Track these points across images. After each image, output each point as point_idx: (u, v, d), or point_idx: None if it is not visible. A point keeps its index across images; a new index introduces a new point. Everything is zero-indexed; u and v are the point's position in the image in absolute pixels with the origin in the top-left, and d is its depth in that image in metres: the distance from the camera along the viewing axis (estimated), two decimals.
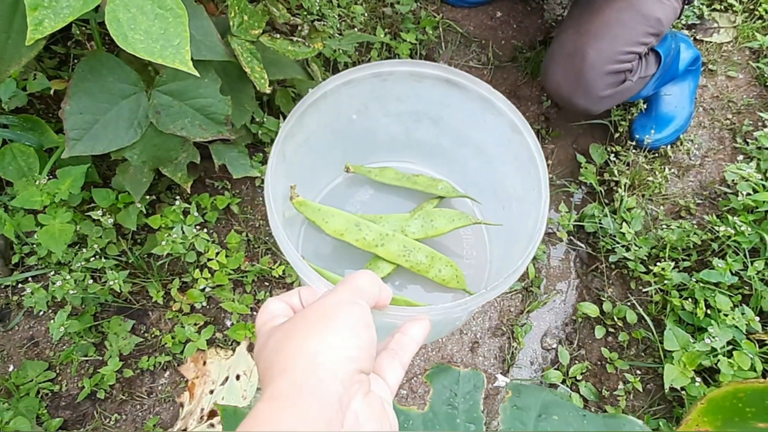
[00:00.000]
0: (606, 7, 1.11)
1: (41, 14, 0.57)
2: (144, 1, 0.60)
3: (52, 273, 0.96)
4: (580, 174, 1.26)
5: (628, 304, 1.11)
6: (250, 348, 1.01)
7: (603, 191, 1.24)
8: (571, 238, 1.22)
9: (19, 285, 1.07)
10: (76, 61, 1.17)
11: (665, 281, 1.06)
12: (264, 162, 1.15)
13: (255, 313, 1.05)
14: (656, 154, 1.29)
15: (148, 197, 1.06)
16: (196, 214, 1.03)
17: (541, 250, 1.18)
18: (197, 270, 1.01)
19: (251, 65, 0.91)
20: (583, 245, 1.21)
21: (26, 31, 0.63)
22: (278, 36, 0.96)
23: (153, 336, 1.02)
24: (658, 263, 1.07)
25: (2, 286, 1.06)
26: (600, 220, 1.17)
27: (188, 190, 1.01)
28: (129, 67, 0.85)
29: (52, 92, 1.13)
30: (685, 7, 1.17)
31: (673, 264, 1.07)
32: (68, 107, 0.81)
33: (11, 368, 0.99)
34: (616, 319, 1.10)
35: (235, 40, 0.90)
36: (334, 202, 0.92)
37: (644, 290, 1.11)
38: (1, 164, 0.96)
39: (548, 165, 1.31)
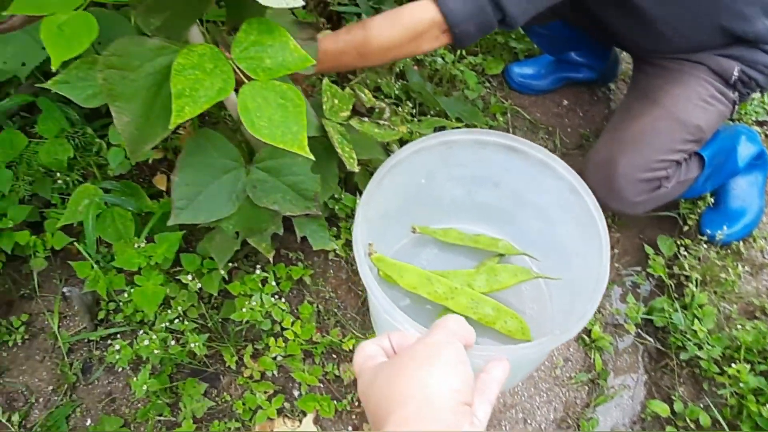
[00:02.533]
0: (643, 114, 1.13)
1: (183, 102, 0.63)
2: (268, 92, 0.67)
3: (141, 332, 1.01)
4: (648, 266, 1.26)
5: (701, 405, 1.07)
6: (317, 420, 1.02)
7: (673, 285, 1.22)
8: (639, 331, 1.20)
9: (101, 340, 1.12)
10: (172, 135, 1.27)
11: (741, 384, 1.03)
12: (338, 236, 1.19)
13: (323, 385, 1.07)
14: (728, 250, 1.28)
15: (228, 264, 1.11)
16: (273, 283, 1.07)
17: (608, 341, 1.17)
18: (272, 338, 1.05)
19: (342, 145, 0.97)
20: (651, 340, 1.19)
21: (163, 114, 0.70)
22: (366, 120, 1.03)
23: (224, 401, 1.04)
24: (732, 364, 1.04)
25: (86, 341, 1.12)
26: (670, 315, 1.16)
27: (270, 260, 1.06)
28: (231, 144, 0.92)
29: (149, 161, 1.22)
30: (737, 108, 1.17)
31: (749, 366, 1.04)
32: (177, 179, 0.87)
33: (89, 422, 1.03)
34: (688, 420, 1.06)
35: (328, 122, 0.97)
36: (403, 261, 0.98)
37: (718, 392, 1.07)
38: (102, 226, 1.04)
39: (614, 254, 1.32)
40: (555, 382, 1.13)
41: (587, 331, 1.18)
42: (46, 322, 1.15)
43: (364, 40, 0.95)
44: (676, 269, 1.24)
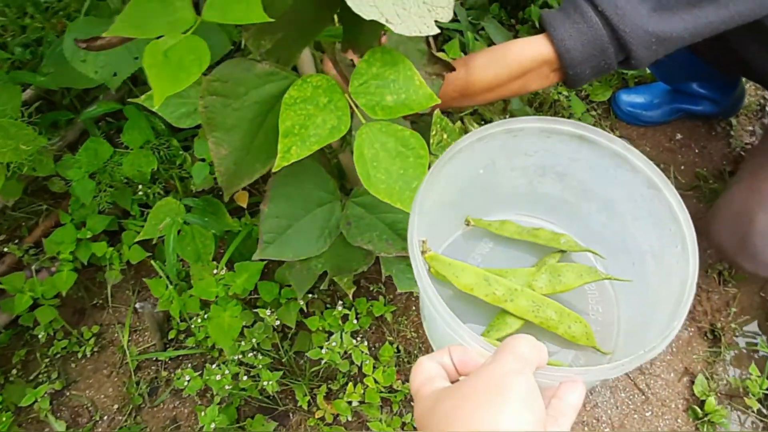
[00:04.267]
0: None
1: (290, 141, 0.56)
2: (388, 137, 0.58)
3: (214, 366, 0.95)
4: None
5: None
6: None
7: None
8: (761, 407, 1.05)
9: (170, 361, 1.07)
10: None
11: None
12: None
13: None
14: None
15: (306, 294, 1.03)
16: (354, 321, 0.99)
17: (723, 415, 1.02)
18: (350, 383, 0.96)
19: None
20: None
21: (264, 148, 0.63)
22: None
23: None
24: None
25: (155, 359, 1.07)
26: None
27: (351, 297, 0.98)
28: (327, 175, 0.84)
29: None
30: None
31: None
32: (267, 210, 0.80)
33: None
34: None
35: (434, 159, 0.88)
36: (455, 256, 0.89)
37: None
38: (181, 244, 0.98)
39: (729, 312, 1.16)
40: None
41: (700, 403, 1.04)
42: (116, 335, 1.12)
43: (467, 79, 0.87)
44: None
